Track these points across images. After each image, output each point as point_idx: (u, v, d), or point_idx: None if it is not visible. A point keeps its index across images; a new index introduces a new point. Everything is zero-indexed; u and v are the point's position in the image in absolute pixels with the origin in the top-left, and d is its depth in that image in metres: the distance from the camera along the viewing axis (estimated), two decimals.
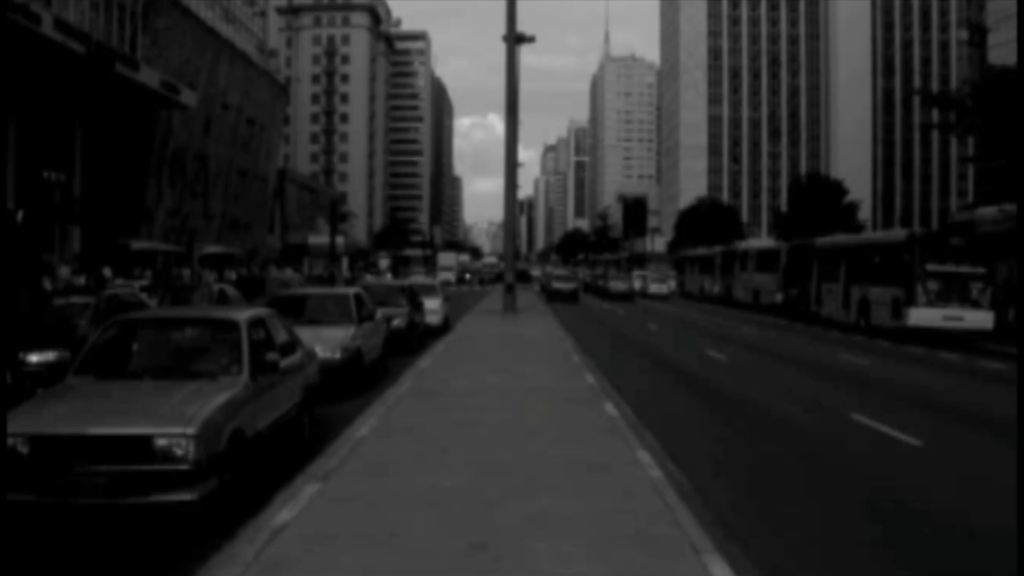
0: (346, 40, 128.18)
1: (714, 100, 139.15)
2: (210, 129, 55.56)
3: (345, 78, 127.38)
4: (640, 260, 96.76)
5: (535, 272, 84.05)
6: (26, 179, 33.49)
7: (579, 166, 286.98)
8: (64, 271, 28.33)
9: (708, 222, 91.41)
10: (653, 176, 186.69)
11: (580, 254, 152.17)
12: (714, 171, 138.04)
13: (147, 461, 5.36)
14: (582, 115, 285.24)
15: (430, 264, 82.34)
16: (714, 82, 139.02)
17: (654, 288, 53.59)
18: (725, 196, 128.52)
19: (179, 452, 5.37)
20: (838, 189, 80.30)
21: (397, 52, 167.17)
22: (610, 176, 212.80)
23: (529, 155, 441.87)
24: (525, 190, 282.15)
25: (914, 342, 21.89)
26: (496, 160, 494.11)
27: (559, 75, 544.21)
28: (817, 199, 78.74)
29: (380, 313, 14.70)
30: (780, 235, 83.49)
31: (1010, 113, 28.29)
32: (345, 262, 75.54)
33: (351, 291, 14.22)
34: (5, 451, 5.31)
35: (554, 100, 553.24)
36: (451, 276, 67.31)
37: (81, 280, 26.97)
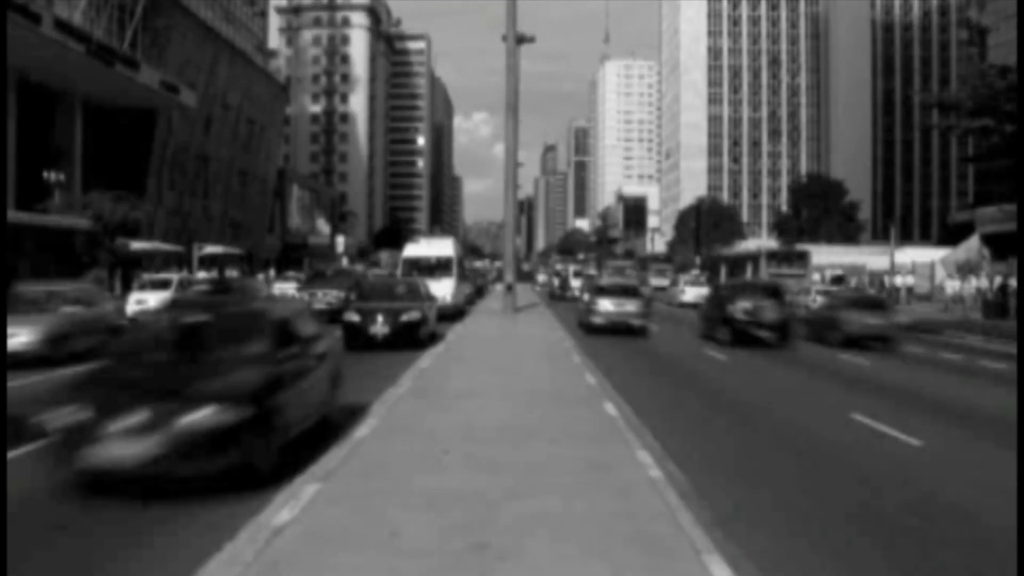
0: (346, 40, 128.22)
1: (714, 100, 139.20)
2: (210, 129, 55.62)
3: (345, 78, 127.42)
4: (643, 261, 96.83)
5: (541, 277, 72.99)
6: (26, 179, 33.52)
7: (579, 166, 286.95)
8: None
9: (708, 222, 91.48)
10: (653, 176, 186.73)
11: (580, 254, 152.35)
12: (714, 171, 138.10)
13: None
14: (582, 115, 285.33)
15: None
16: (714, 82, 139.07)
17: (655, 281, 56.71)
18: (725, 196, 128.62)
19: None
20: (838, 189, 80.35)
21: (397, 52, 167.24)
22: (610, 176, 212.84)
23: (528, 155, 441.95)
24: (525, 190, 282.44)
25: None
26: (488, 160, 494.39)
27: (559, 75, 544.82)
28: (817, 199, 78.78)
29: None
30: (780, 235, 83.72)
31: (1010, 113, 28.30)
32: (345, 261, 75.58)
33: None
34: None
35: (554, 100, 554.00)
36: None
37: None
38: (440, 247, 27.58)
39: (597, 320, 22.75)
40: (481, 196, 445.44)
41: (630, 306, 23.04)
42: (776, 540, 5.78)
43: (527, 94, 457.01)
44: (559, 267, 64.93)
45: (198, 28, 51.94)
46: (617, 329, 22.50)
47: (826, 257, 53.64)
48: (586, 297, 25.04)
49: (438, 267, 26.10)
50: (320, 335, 9.18)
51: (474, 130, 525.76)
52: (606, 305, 22.96)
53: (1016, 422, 9.85)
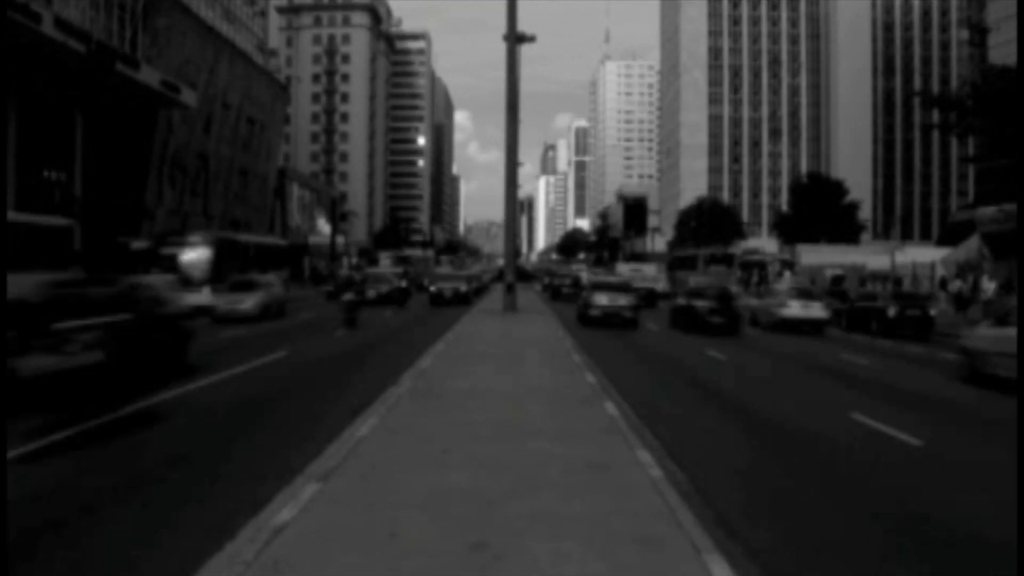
0: (346, 39, 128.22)
1: (714, 100, 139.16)
2: (210, 129, 55.59)
3: (345, 77, 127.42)
4: (641, 257, 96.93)
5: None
6: (26, 179, 33.53)
7: (579, 166, 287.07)
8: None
9: (708, 222, 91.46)
10: (653, 176, 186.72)
11: (580, 253, 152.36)
12: (714, 171, 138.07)
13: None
14: (582, 115, 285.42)
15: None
16: (714, 82, 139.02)
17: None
18: (725, 196, 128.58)
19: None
20: (838, 189, 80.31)
21: (397, 52, 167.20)
22: (610, 176, 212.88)
23: (529, 155, 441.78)
24: (525, 190, 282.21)
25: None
26: (466, 160, 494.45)
27: (559, 75, 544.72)
28: (817, 199, 78.76)
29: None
30: (780, 235, 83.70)
31: (1010, 113, 28.31)
32: (345, 261, 75.56)
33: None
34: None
35: (554, 100, 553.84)
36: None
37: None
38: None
39: None
40: (467, 197, 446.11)
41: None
42: (776, 539, 5.77)
43: (528, 94, 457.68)
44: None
45: (198, 28, 51.90)
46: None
47: (827, 257, 53.61)
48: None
49: None
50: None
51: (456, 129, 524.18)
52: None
53: (1016, 421, 9.85)
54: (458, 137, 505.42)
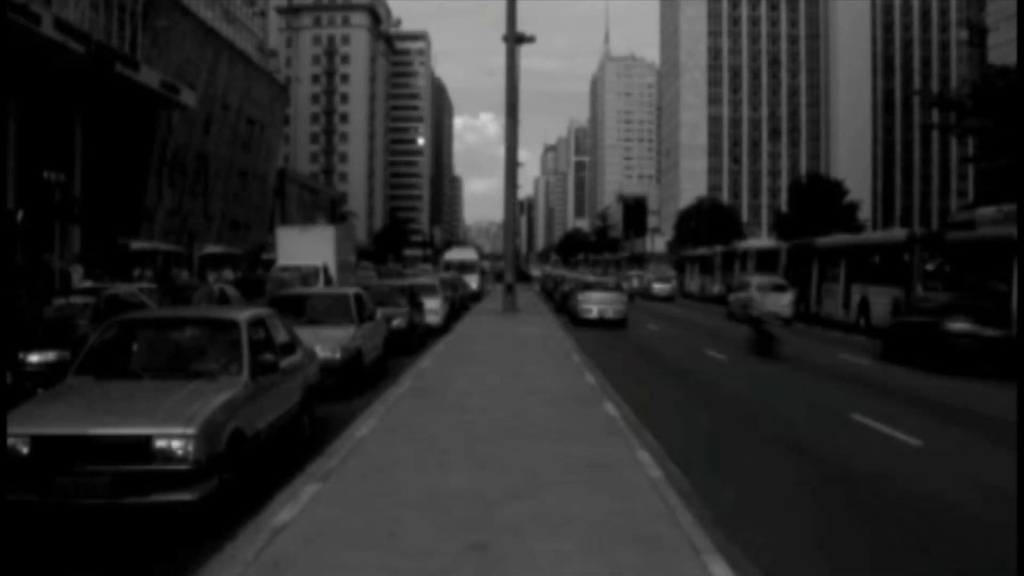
0: (346, 40, 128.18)
1: (714, 100, 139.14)
2: (210, 129, 55.59)
3: (345, 78, 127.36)
4: (640, 260, 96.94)
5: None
6: (26, 179, 33.51)
7: (579, 166, 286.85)
8: (76, 274, 27.51)
9: (708, 222, 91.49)
10: (653, 176, 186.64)
11: (580, 254, 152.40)
12: (714, 171, 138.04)
13: (147, 461, 5.32)
14: (582, 115, 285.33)
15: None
16: (714, 82, 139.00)
17: (657, 288, 50.39)
18: (725, 196, 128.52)
19: (179, 452, 5.34)
20: (838, 189, 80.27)
21: (397, 52, 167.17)
22: (610, 176, 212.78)
23: (529, 155, 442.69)
24: (525, 190, 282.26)
25: None
26: (491, 160, 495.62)
27: (559, 75, 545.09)
28: (817, 199, 78.72)
29: (380, 313, 14.58)
30: (780, 235, 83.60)
31: (1010, 113, 28.31)
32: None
33: (351, 291, 13.91)
34: (5, 452, 5.28)
35: (554, 100, 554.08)
36: None
37: (88, 282, 25.57)
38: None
39: None
40: (484, 196, 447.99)
41: None
42: (777, 539, 5.78)
43: (528, 94, 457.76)
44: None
45: (198, 28, 51.88)
46: None
47: None
48: None
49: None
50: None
51: (482, 128, 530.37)
52: None
53: (1016, 422, 9.85)
54: (491, 132, 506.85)
